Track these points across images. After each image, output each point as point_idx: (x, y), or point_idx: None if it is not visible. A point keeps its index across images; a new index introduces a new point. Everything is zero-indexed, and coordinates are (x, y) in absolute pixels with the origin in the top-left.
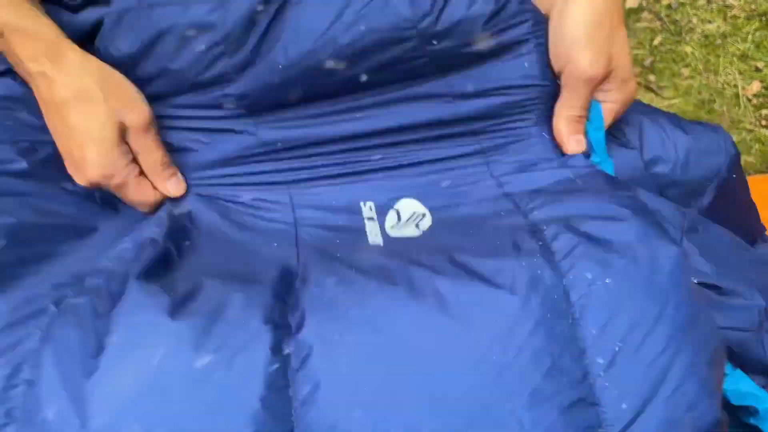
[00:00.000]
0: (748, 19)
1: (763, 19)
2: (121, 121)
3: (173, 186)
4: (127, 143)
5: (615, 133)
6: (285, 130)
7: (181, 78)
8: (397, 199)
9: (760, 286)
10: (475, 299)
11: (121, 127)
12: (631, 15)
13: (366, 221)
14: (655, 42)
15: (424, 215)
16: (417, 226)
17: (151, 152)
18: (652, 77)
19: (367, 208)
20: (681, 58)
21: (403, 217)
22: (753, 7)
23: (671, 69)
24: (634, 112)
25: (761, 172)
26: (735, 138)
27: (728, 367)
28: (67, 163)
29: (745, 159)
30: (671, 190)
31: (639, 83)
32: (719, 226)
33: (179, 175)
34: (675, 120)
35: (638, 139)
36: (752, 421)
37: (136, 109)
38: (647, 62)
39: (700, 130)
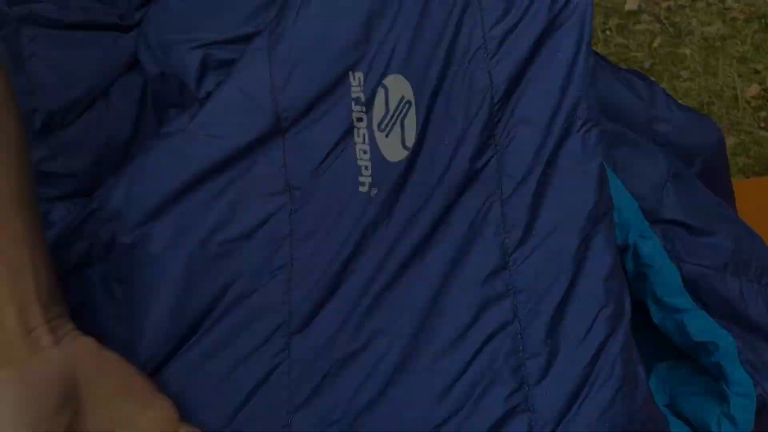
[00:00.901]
0: (748, 21)
1: (763, 21)
2: None
3: None
4: None
5: (627, 83)
6: None
7: None
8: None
9: (731, 234)
10: None
11: None
12: (630, 17)
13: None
14: (655, 44)
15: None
16: (402, 125)
17: None
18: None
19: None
20: (680, 60)
21: (391, 105)
22: (752, 9)
23: (670, 71)
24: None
25: (759, 174)
26: (733, 140)
27: (692, 305)
28: None
29: (743, 161)
30: (665, 149)
31: None
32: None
33: None
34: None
35: (649, 96)
36: (713, 359)
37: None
38: (646, 64)
39: (698, 113)
